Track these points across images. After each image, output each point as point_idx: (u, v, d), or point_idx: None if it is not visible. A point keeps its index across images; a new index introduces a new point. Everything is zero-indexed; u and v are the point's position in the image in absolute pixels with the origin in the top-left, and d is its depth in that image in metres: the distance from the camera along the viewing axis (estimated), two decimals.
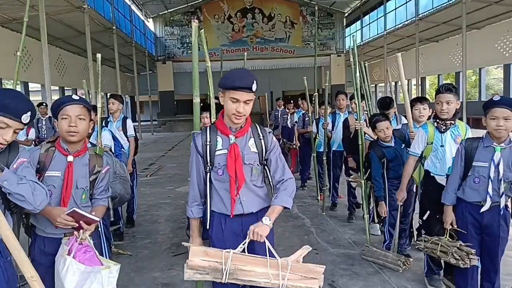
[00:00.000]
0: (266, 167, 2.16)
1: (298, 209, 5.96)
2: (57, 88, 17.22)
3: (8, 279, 1.85)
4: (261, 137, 2.13)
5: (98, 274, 1.94)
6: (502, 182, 2.61)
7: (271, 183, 2.19)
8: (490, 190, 2.61)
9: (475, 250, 2.70)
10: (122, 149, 4.81)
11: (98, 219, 2.13)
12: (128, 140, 4.99)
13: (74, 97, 2.14)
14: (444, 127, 3.21)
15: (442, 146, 3.23)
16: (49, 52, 9.55)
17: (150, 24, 27.14)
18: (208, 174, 2.11)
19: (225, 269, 1.89)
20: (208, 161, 2.08)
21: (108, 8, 16.58)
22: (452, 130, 3.22)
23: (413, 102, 3.99)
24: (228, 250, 1.92)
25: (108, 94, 15.30)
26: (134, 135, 5.12)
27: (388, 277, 3.57)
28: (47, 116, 7.61)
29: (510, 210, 2.74)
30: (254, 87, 1.99)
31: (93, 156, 2.29)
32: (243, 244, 1.97)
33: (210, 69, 2.81)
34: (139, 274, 3.83)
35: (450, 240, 2.84)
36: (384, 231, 4.16)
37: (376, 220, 4.77)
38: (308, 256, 4.23)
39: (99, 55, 3.75)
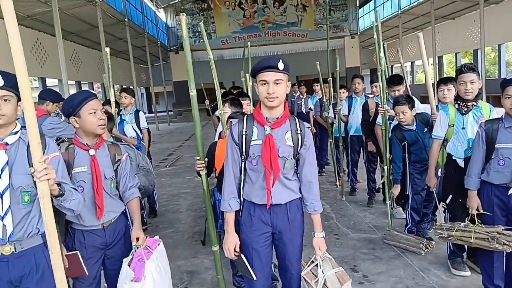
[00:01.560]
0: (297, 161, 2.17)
1: None
2: (73, 82, 17.44)
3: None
4: (299, 131, 2.12)
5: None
6: None
7: (298, 177, 2.20)
8: None
9: None
10: (142, 142, 4.89)
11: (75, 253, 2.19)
12: (141, 132, 5.05)
13: (90, 92, 2.21)
14: (465, 109, 3.15)
15: (463, 128, 3.17)
16: (64, 47, 9.65)
17: (161, 14, 27.08)
18: (243, 163, 2.14)
19: None
20: (244, 150, 2.10)
21: (120, 0, 16.61)
22: (474, 112, 3.15)
23: (438, 83, 3.88)
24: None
25: (119, 88, 15.43)
26: (147, 127, 5.18)
27: (410, 260, 3.58)
28: (55, 113, 7.72)
29: None
30: (281, 66, 1.99)
31: (111, 146, 2.38)
32: (311, 264, 2.21)
33: (213, 62, 2.81)
34: None
35: (479, 225, 2.76)
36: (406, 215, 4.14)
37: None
38: (329, 242, 4.26)
39: (107, 49, 3.80)
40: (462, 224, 2.85)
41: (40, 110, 3.90)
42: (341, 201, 5.59)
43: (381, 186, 5.12)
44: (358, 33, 26.80)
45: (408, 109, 3.79)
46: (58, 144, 2.23)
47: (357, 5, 27.41)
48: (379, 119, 4.56)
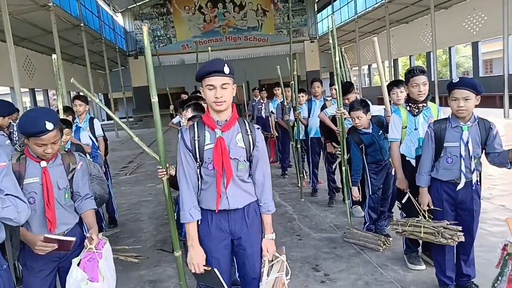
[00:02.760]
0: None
1: (280, 197, 6.04)
2: (27, 90, 16.73)
3: (4, 285, 1.86)
4: (249, 133, 2.10)
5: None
6: (472, 159, 2.72)
7: (252, 179, 2.18)
8: (463, 168, 2.71)
9: (460, 227, 2.77)
10: (98, 151, 4.77)
11: (73, 239, 2.16)
12: (97, 140, 4.91)
13: (48, 126, 2.07)
14: (416, 110, 3.27)
15: (416, 129, 3.30)
16: (16, 53, 9.27)
17: (119, 18, 26.51)
18: (199, 169, 2.09)
19: None
20: (198, 156, 2.06)
21: (75, 4, 16.13)
22: (424, 113, 3.29)
23: (390, 86, 3.99)
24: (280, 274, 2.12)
25: (72, 95, 14.95)
26: (103, 135, 5.01)
27: (369, 257, 3.69)
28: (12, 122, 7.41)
29: (480, 184, 2.87)
30: (226, 70, 1.98)
31: (65, 155, 2.34)
32: (263, 267, 2.20)
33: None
34: (125, 272, 3.83)
35: (429, 220, 2.90)
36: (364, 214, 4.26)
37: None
38: (292, 243, 4.32)
39: (54, 56, 3.66)
40: (416, 219, 2.99)
41: None
42: (303, 202, 5.68)
43: (340, 186, 5.24)
44: (317, 37, 27.42)
45: (363, 114, 3.89)
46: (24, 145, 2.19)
47: (316, 10, 28.06)
48: (328, 110, 4.71)
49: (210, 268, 2.10)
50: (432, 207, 2.90)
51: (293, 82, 6.10)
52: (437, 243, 2.81)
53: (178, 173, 2.13)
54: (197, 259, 2.09)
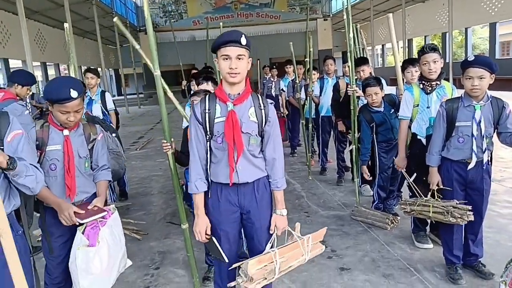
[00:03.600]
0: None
1: (289, 175, 6.06)
2: (38, 63, 16.78)
3: (20, 250, 1.92)
4: (262, 107, 2.08)
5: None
6: (484, 138, 2.68)
7: (263, 154, 2.17)
8: (474, 148, 2.69)
9: (471, 206, 2.76)
10: (111, 124, 4.80)
11: (101, 214, 2.22)
12: (108, 114, 4.95)
13: (72, 94, 2.12)
14: (430, 88, 3.22)
15: (428, 107, 3.26)
16: (28, 26, 9.26)
17: None
18: (208, 143, 2.08)
19: (276, 267, 1.99)
20: (208, 129, 2.05)
21: None
22: (438, 91, 3.24)
23: (405, 64, 3.95)
24: (272, 249, 2.05)
25: (83, 68, 14.97)
26: (114, 108, 5.05)
27: (376, 235, 3.71)
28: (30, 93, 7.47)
29: (491, 163, 2.84)
30: (243, 41, 1.95)
31: (86, 126, 2.40)
32: (270, 242, 2.16)
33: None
34: (135, 244, 3.91)
35: (438, 199, 2.89)
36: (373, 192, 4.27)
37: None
38: (299, 219, 4.36)
39: (66, 25, 3.61)
40: (424, 199, 2.98)
41: (8, 93, 3.78)
42: (312, 180, 5.69)
43: (349, 166, 5.23)
44: (331, 15, 26.87)
45: (380, 90, 3.86)
46: (37, 119, 2.23)
47: None
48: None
49: (210, 237, 2.15)
50: (441, 186, 2.88)
51: (307, 59, 6.03)
52: (446, 222, 2.80)
53: (189, 145, 2.14)
54: (199, 227, 2.13)
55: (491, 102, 2.69)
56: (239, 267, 1.97)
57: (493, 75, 2.62)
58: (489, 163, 2.81)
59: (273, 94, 8.35)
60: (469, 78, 2.62)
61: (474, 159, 2.71)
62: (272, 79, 8.39)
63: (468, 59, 2.65)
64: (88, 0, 15.31)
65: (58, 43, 17.46)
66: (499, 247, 3.29)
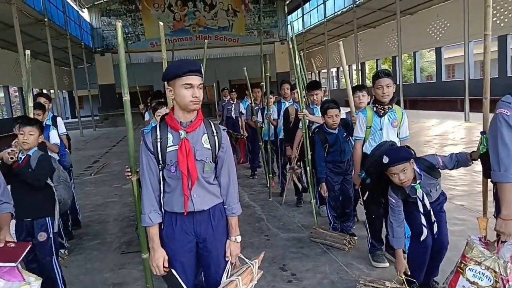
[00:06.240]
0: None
1: (249, 197, 6.04)
2: None
3: None
4: (215, 134, 2.08)
5: None
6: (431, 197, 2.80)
7: (217, 180, 2.15)
8: (423, 222, 2.77)
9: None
10: (66, 149, 4.62)
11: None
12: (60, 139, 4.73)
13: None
14: (382, 111, 3.37)
15: (380, 129, 3.40)
16: None
17: (85, 14, 25.76)
18: (161, 172, 2.04)
19: None
20: (160, 158, 2.01)
21: None
22: (389, 114, 3.39)
23: (353, 90, 4.16)
24: (236, 277, 2.07)
25: (34, 93, 14.45)
26: (66, 133, 4.89)
27: (335, 256, 3.75)
28: None
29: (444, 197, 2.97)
30: (202, 71, 2.01)
31: None
32: (226, 272, 2.15)
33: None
34: (89, 275, 3.72)
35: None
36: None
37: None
38: (260, 243, 4.32)
39: (28, 52, 3.51)
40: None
41: None
42: (272, 202, 5.70)
43: (307, 187, 5.29)
44: (288, 39, 27.62)
45: (339, 112, 4.01)
46: None
47: (286, 12, 28.30)
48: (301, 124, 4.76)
49: (169, 269, 2.09)
50: (408, 273, 2.83)
51: (263, 83, 6.13)
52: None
53: (140, 176, 2.09)
54: (156, 260, 2.06)
55: (420, 169, 2.70)
56: None
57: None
58: (444, 195, 2.95)
59: (233, 116, 8.38)
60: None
61: (425, 232, 2.78)
62: (231, 102, 8.43)
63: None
64: (40, 21, 14.86)
65: (8, 64, 16.75)
66: (451, 264, 3.38)
